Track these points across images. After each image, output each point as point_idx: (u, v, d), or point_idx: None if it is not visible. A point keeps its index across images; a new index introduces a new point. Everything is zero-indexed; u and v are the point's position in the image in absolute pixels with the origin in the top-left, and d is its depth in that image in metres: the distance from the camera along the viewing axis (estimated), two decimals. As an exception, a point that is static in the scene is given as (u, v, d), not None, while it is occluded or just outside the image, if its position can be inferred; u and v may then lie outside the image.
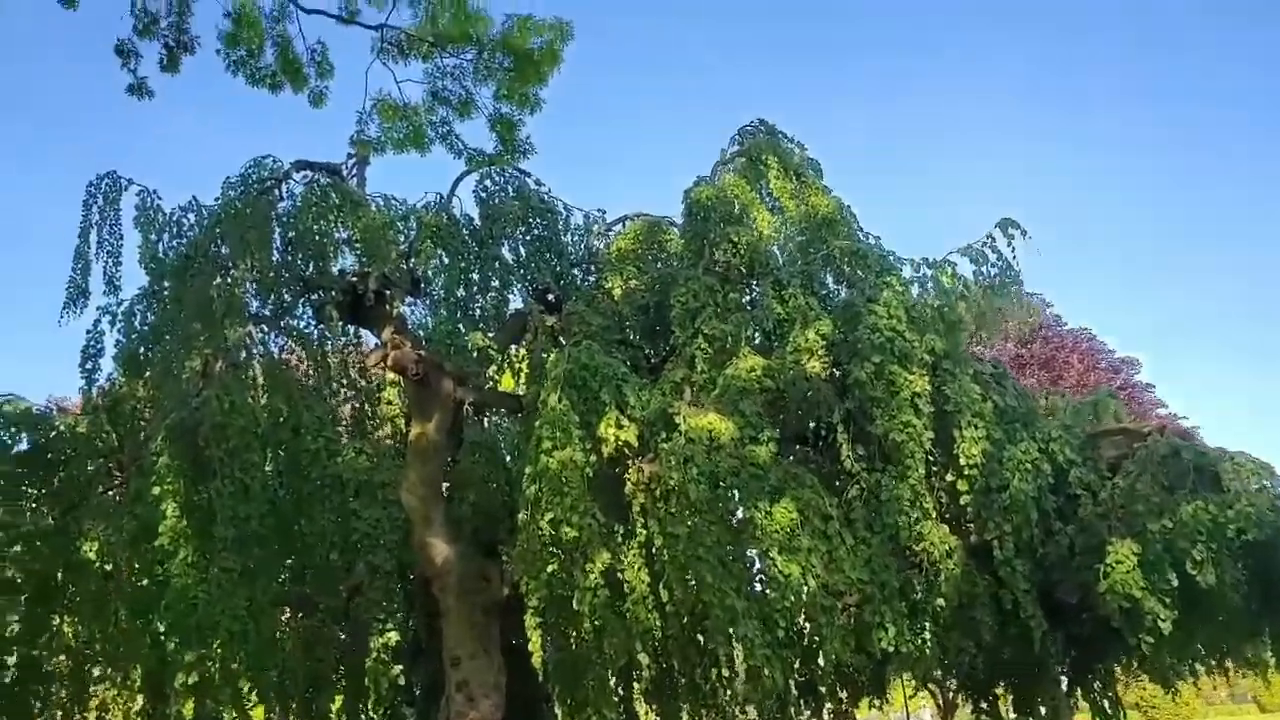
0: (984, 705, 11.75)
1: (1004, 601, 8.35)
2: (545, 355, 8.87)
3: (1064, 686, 11.73)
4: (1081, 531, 7.78)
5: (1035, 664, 9.63)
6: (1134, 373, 32.26)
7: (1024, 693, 10.86)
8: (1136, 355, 33.61)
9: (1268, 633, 7.50)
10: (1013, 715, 11.74)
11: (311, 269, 9.80)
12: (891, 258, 9.47)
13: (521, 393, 10.22)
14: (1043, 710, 12.05)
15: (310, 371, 10.65)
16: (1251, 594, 6.87)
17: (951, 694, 29.11)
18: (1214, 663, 9.50)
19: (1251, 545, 6.68)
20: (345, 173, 10.46)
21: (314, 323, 10.19)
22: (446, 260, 9.77)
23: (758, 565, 8.27)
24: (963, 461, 7.86)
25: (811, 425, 9.40)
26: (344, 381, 11.28)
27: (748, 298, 9.71)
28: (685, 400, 8.33)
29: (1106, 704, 10.28)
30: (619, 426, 7.56)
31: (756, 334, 9.18)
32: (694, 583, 7.49)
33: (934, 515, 7.99)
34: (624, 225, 11.00)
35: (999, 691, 11.45)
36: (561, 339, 9.32)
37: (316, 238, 9.76)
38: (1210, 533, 6.63)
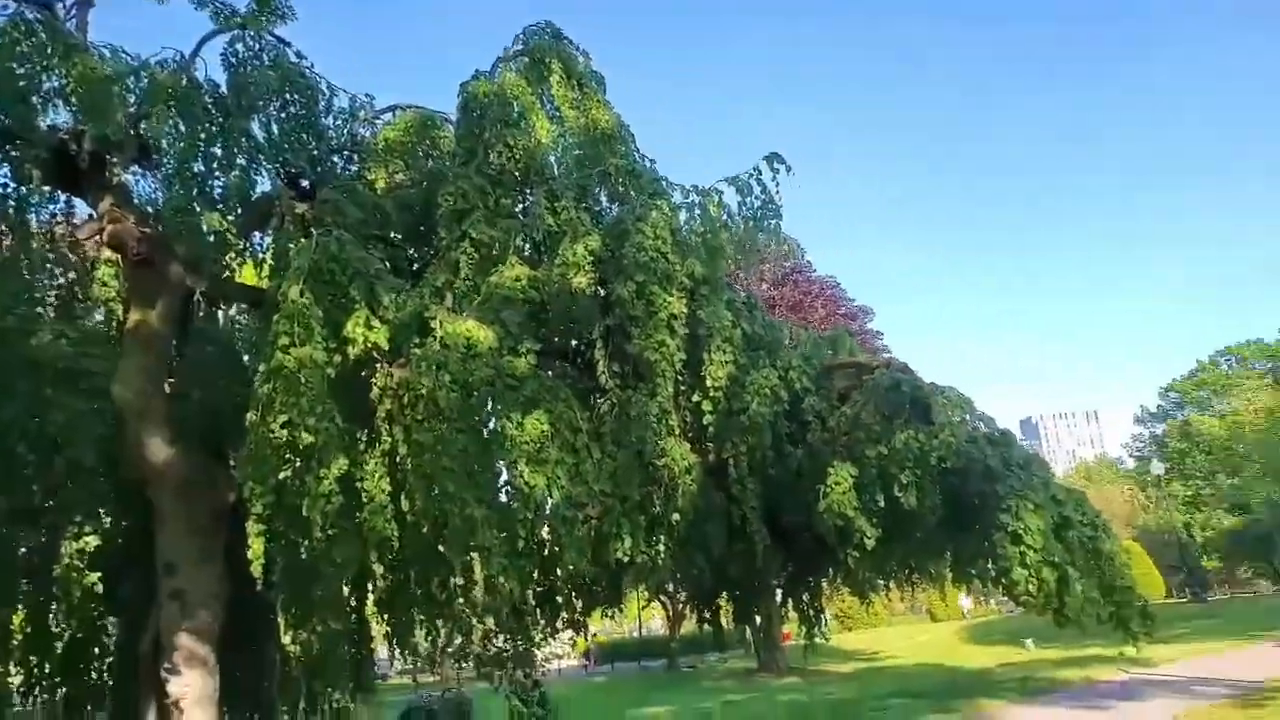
0: (707, 615, 12.58)
1: (734, 518, 8.88)
2: (292, 245, 8.18)
3: (778, 598, 12.80)
4: (809, 455, 8.38)
5: (756, 577, 10.39)
6: (868, 320, 35.33)
7: (743, 604, 11.73)
8: (870, 305, 36.85)
9: (951, 551, 8.44)
10: (732, 625, 12.67)
11: (8, 119, 8.38)
12: (663, 182, 9.57)
13: (265, 286, 9.41)
14: (758, 619, 13.11)
15: (7, 240, 9.21)
16: (943, 516, 7.69)
17: (681, 605, 31.20)
18: (905, 577, 10.68)
19: (948, 472, 7.47)
20: (63, 12, 9.00)
21: (12, 183, 8.78)
22: (183, 128, 8.68)
23: (504, 476, 8.22)
24: (709, 383, 8.17)
25: (573, 341, 9.42)
26: (49, 255, 9.86)
27: (520, 206, 9.47)
28: (445, 305, 8.02)
29: (812, 613, 11.31)
30: (369, 327, 7.14)
31: (526, 244, 8.97)
32: (436, 492, 7.32)
33: (678, 433, 8.28)
34: (394, 115, 10.29)
35: (721, 602, 12.29)
36: (313, 229, 8.65)
37: (19, 83, 8.33)
38: (917, 460, 7.35)
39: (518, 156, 9.06)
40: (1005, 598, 9.00)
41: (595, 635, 42.13)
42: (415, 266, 9.30)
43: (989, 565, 7.58)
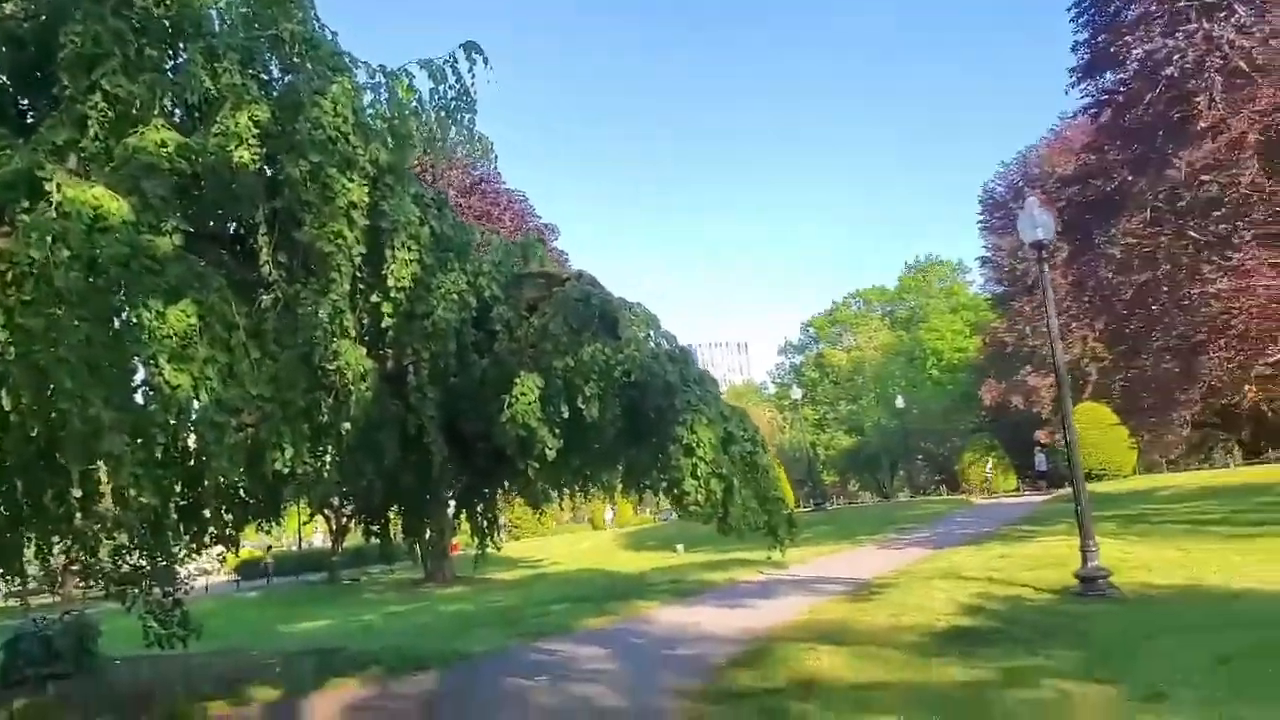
0: (375, 528, 12.03)
1: (410, 427, 8.41)
2: None
3: (451, 509, 12.53)
4: (495, 365, 8.10)
5: (430, 489, 10.02)
6: (554, 238, 35.47)
7: (415, 516, 11.33)
8: (556, 222, 37.14)
9: (625, 462, 8.63)
10: (401, 537, 12.23)
11: None
12: (346, 57, 8.58)
13: None
14: (429, 532, 12.77)
15: None
16: (622, 429, 7.80)
17: (347, 518, 30.08)
18: (579, 487, 10.84)
19: (630, 386, 7.56)
20: None
21: None
22: None
23: (141, 374, 7.09)
24: (390, 283, 7.55)
25: (232, 224, 8.30)
26: None
27: (170, 63, 8.05)
28: (66, 167, 6.63)
29: (486, 524, 11.18)
30: (-48, 181, 5.71)
31: (176, 107, 7.66)
32: (51, 388, 6.14)
33: (353, 336, 7.61)
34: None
35: (391, 515, 11.81)
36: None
37: None
38: (603, 373, 7.34)
39: (168, 3, 7.65)
40: (671, 507, 9.41)
41: (270, 549, 39.73)
42: (25, 116, 7.63)
43: (662, 476, 7.83)
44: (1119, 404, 33.26)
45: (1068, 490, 33.13)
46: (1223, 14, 19.28)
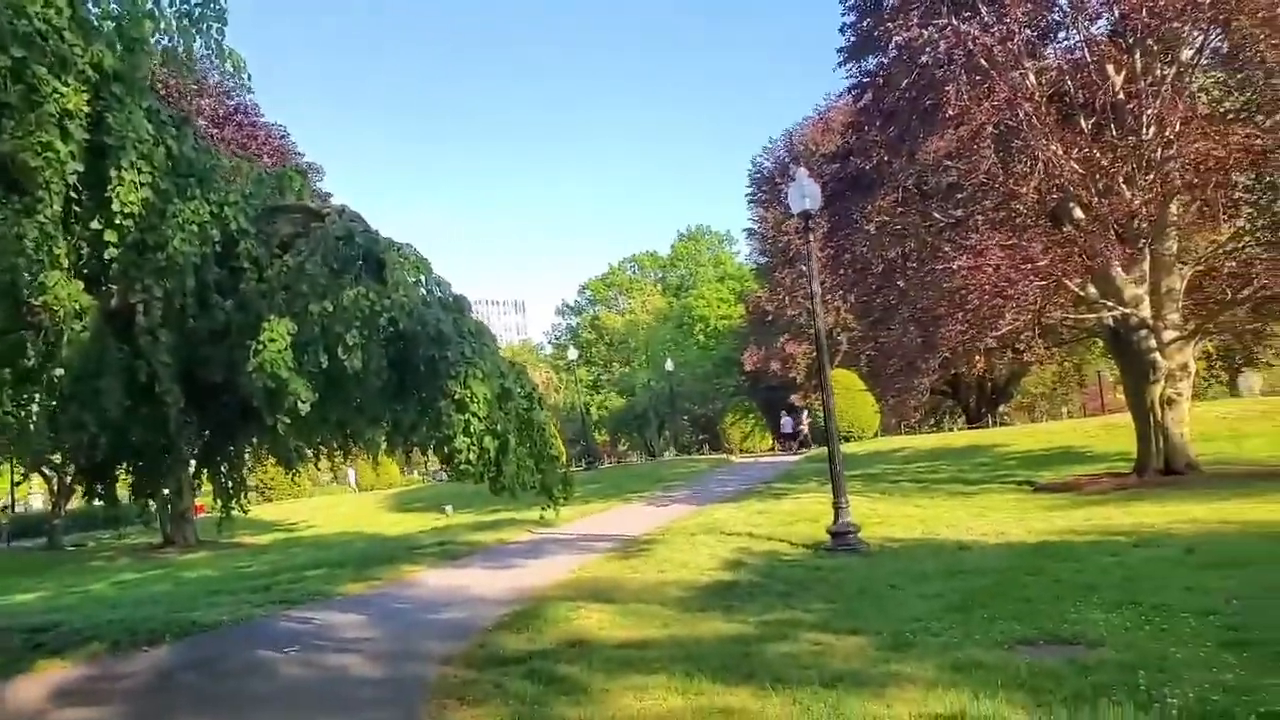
0: (100, 488, 10.67)
1: (140, 375, 7.39)
2: None
3: (190, 468, 11.31)
4: (240, 307, 7.23)
5: (165, 445, 8.92)
6: (319, 179, 33.16)
7: (148, 475, 10.10)
8: (321, 162, 34.67)
9: (391, 418, 8.02)
10: (132, 498, 10.88)
11: None
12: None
13: None
14: (165, 492, 11.45)
15: None
16: (387, 381, 7.21)
17: (68, 477, 26.86)
18: (339, 445, 10.08)
19: (398, 335, 6.98)
20: None
21: None
22: None
23: None
24: (116, 208, 6.51)
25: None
26: None
27: None
28: None
29: (231, 485, 10.18)
30: None
31: None
32: None
33: (66, 267, 6.52)
34: None
35: (120, 473, 10.50)
36: None
37: None
38: (366, 319, 6.70)
39: None
40: (441, 466, 8.91)
41: (4, 509, 34.84)
42: None
43: (431, 433, 7.32)
44: (866, 371, 35.98)
45: (819, 450, 35.55)
46: (968, 12, 20.87)
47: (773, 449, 52.47)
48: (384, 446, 9.53)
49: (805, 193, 14.35)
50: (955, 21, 20.65)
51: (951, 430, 44.13)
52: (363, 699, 7.28)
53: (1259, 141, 18.15)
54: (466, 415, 6.95)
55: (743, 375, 58.63)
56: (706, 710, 5.98)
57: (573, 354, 53.98)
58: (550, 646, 8.22)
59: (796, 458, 38.71)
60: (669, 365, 54.86)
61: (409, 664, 8.29)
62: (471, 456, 7.06)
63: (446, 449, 7.21)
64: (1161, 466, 20.16)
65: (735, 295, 70.65)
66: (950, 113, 19.79)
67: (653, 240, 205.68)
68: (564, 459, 9.91)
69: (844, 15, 23.97)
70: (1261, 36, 18.66)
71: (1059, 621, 7.55)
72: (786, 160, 50.33)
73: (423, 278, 7.21)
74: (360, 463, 43.36)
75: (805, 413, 47.93)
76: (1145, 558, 10.51)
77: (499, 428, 7.10)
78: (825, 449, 15.37)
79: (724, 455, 49.23)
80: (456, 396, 6.96)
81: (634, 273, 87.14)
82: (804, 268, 47.96)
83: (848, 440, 34.91)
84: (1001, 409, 52.03)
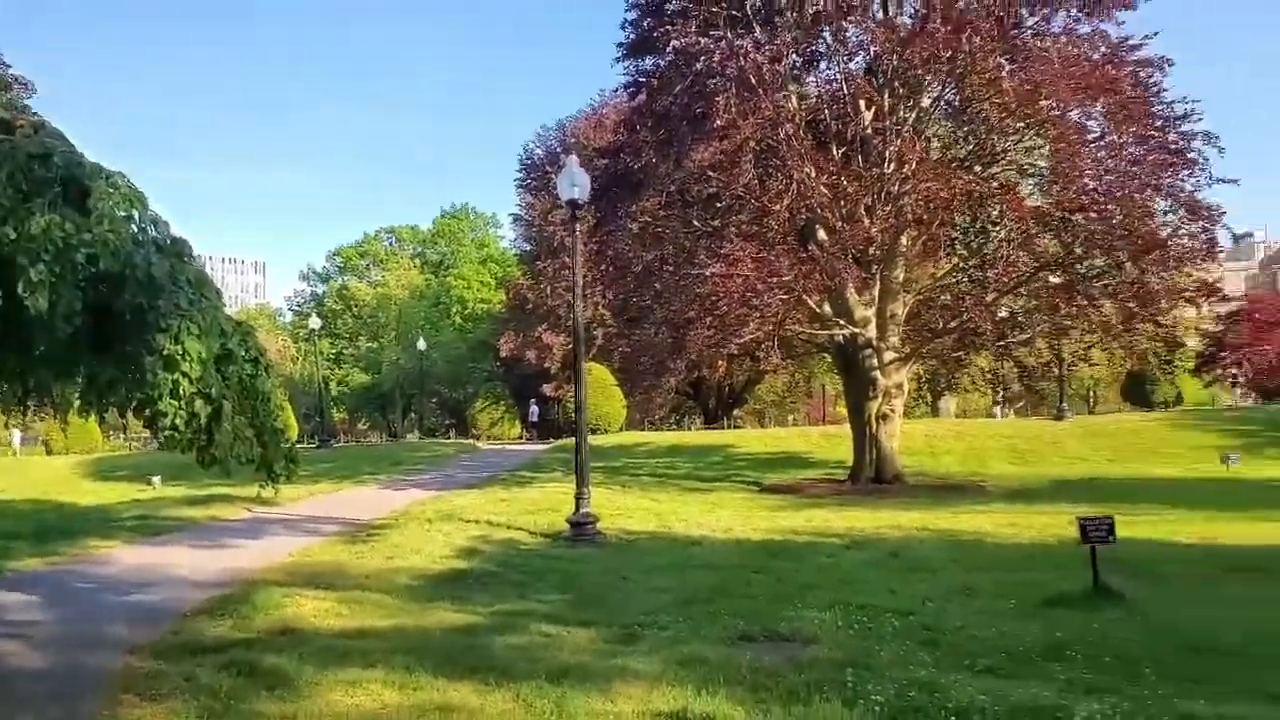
0: None
1: None
2: None
3: None
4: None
5: None
6: (27, 95, 28.96)
7: None
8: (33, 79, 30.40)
9: (83, 373, 6.90)
10: None
11: None
12: None
13: None
14: None
15: None
16: (82, 329, 6.16)
17: None
18: (18, 399, 8.63)
19: (99, 276, 5.99)
20: None
21: None
22: None
23: None
24: None
25: None
26: None
27: None
28: None
29: None
30: None
31: None
32: None
33: None
34: None
35: None
36: None
37: None
38: (59, 253, 5.68)
39: None
40: (148, 432, 7.84)
41: None
42: None
43: (134, 393, 6.35)
44: (618, 367, 36.64)
45: (567, 440, 35.81)
46: (744, 29, 21.77)
47: (521, 437, 52.35)
48: (76, 405, 8.25)
49: (575, 181, 14.23)
50: (730, 35, 21.44)
51: (690, 429, 46.07)
52: (19, 695, 6.22)
53: (977, 188, 20.28)
54: (175, 375, 6.09)
55: (497, 361, 58.07)
56: (424, 706, 5.60)
57: (315, 323, 50.75)
58: (256, 635, 7.48)
59: (544, 446, 38.78)
60: (421, 344, 53.15)
61: (85, 653, 7.24)
62: (179, 422, 6.20)
63: (150, 411, 6.29)
64: (873, 475, 22.03)
65: (497, 280, 69.82)
66: (719, 123, 20.48)
67: (414, 214, 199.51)
68: (292, 433, 9.11)
69: (627, 11, 24.23)
70: (986, 96, 20.87)
71: (778, 619, 7.86)
72: (558, 150, 50.32)
73: (136, 214, 6.22)
74: (49, 423, 38.44)
75: (545, 403, 48.27)
76: (857, 560, 11.32)
77: (214, 392, 6.28)
78: (573, 439, 15.36)
79: (471, 441, 48.47)
80: (165, 352, 6.07)
81: (391, 244, 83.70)
82: (568, 259, 48.26)
83: (593, 433, 35.44)
84: (736, 412, 55.09)
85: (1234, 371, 54.35)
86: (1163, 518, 13.58)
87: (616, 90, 29.13)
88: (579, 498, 13.83)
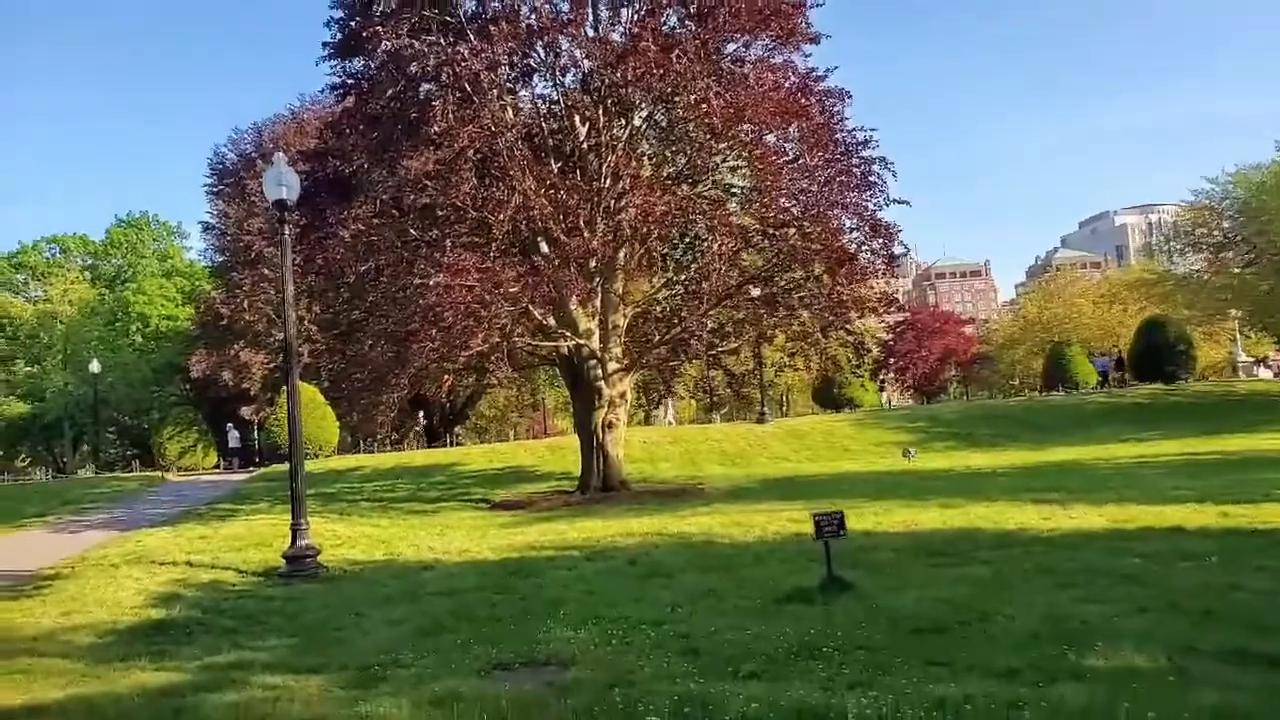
0: None
1: None
2: None
3: None
4: None
5: None
6: None
7: None
8: None
9: None
10: None
11: None
12: None
13: None
14: None
15: None
16: None
17: None
18: None
19: None
20: None
21: None
22: None
23: None
24: None
25: None
26: None
27: None
28: None
29: None
30: None
31: None
32: None
33: None
34: None
35: None
36: None
37: None
38: None
39: None
40: None
41: None
42: None
43: None
44: (329, 385, 34.40)
45: (273, 468, 32.99)
46: (455, 36, 21.23)
47: (219, 466, 47.75)
48: None
49: (284, 180, 13.01)
50: (444, 42, 20.80)
51: (412, 449, 44.38)
52: None
53: (689, 204, 21.15)
54: None
55: (188, 384, 52.62)
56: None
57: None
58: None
59: (245, 476, 35.48)
60: (95, 367, 46.77)
61: None
62: None
63: None
64: (601, 484, 22.24)
65: (184, 294, 63.33)
66: (435, 129, 19.75)
67: (82, 223, 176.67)
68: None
69: (332, 9, 22.81)
70: (694, 116, 21.85)
71: (531, 642, 7.46)
72: (254, 155, 46.70)
73: None
74: None
75: (245, 429, 44.52)
76: (597, 570, 11.16)
77: None
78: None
79: (159, 473, 43.37)
80: None
81: (55, 255, 73.26)
82: (268, 270, 44.66)
83: (305, 458, 32.97)
84: (459, 429, 53.94)
85: (903, 376, 61.54)
86: (867, 509, 14.72)
87: (322, 91, 27.33)
88: (296, 529, 12.59)
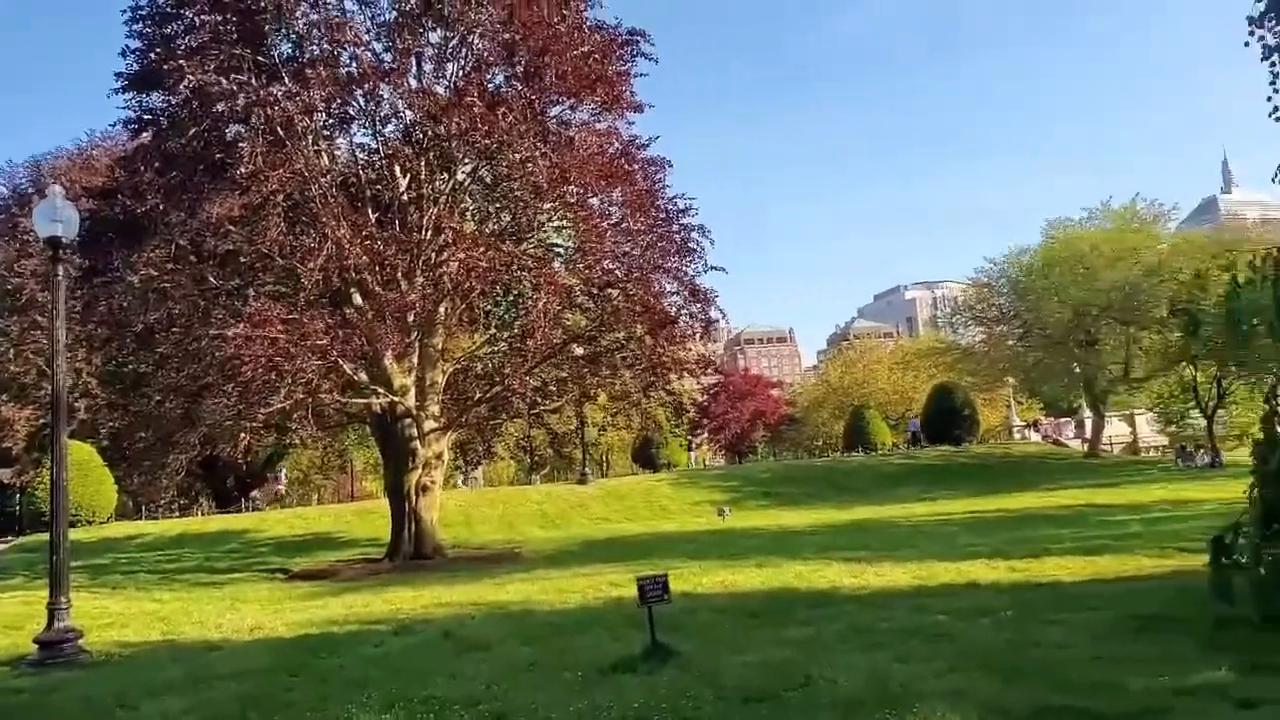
0: None
1: None
2: None
3: None
4: None
5: None
6: None
7: None
8: None
9: None
10: None
11: None
12: None
13: None
14: None
15: None
16: None
17: None
18: None
19: None
20: None
21: None
22: None
23: None
24: None
25: None
26: None
27: None
28: None
29: None
30: None
31: None
32: None
33: None
34: None
35: None
36: None
37: None
38: None
39: None
40: None
41: None
42: None
43: None
44: (108, 444, 31.28)
45: (34, 537, 29.34)
46: (269, 76, 20.21)
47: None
48: None
49: (59, 215, 11.67)
50: (256, 81, 19.74)
51: (202, 515, 40.91)
52: None
53: (514, 261, 20.89)
54: None
55: (-66, 442, 46.38)
56: None
57: None
58: None
59: (1, 546, 31.40)
60: None
61: None
62: None
63: None
64: (413, 551, 21.14)
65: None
66: (243, 171, 18.59)
67: None
68: None
69: (129, 38, 21.22)
70: (517, 176, 21.74)
71: (330, 730, 6.72)
72: (29, 190, 42.62)
73: None
74: None
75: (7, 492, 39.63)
76: (407, 645, 10.39)
77: None
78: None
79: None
80: None
81: None
82: (39, 317, 40.39)
83: (73, 526, 29.58)
84: (255, 493, 50.32)
85: (717, 436, 63.11)
86: (686, 570, 14.65)
87: (114, 126, 25.28)
88: (54, 609, 11.01)
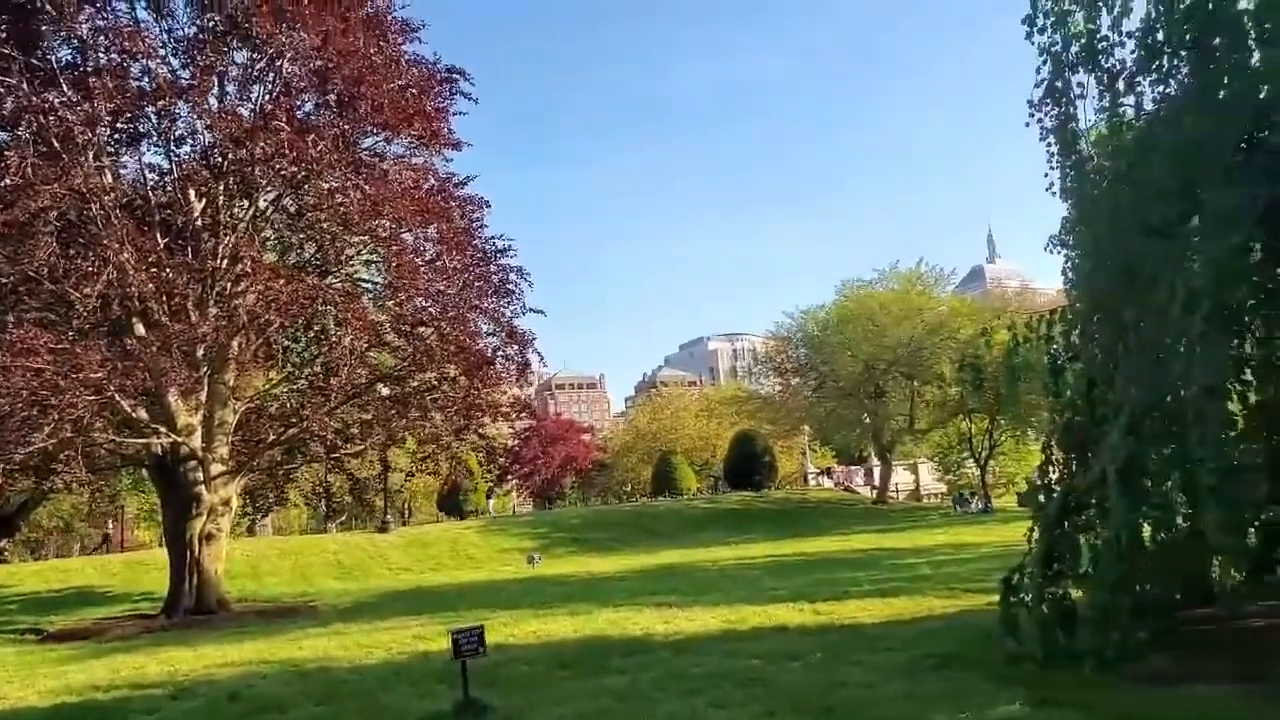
0: None
1: None
2: None
3: None
4: None
5: None
6: None
7: None
8: None
9: None
10: None
11: None
12: None
13: None
14: None
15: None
16: None
17: None
18: None
19: None
20: None
21: None
22: None
23: None
24: None
25: None
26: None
27: None
28: None
29: None
30: None
31: None
32: None
33: None
34: None
35: None
36: None
37: None
38: None
39: None
40: None
41: None
42: None
43: None
44: None
45: None
46: (43, 83, 18.42)
47: None
48: None
49: None
50: (29, 86, 17.90)
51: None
52: None
53: (318, 295, 19.83)
54: None
55: None
56: None
57: None
58: None
59: None
60: None
61: None
62: None
63: None
64: (194, 605, 19.37)
65: None
66: (8, 182, 16.71)
67: None
68: None
69: None
70: (325, 207, 20.81)
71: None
72: None
73: None
74: None
75: None
76: (187, 711, 9.39)
77: None
78: None
79: None
80: None
81: None
82: None
83: None
84: (3, 544, 44.70)
85: (528, 481, 62.31)
86: (497, 620, 14.18)
87: None
88: None
